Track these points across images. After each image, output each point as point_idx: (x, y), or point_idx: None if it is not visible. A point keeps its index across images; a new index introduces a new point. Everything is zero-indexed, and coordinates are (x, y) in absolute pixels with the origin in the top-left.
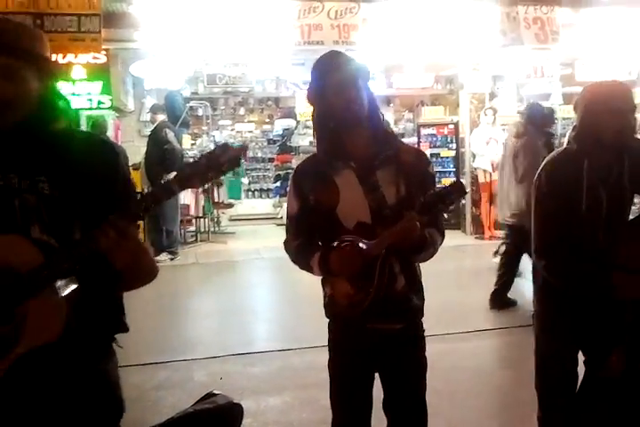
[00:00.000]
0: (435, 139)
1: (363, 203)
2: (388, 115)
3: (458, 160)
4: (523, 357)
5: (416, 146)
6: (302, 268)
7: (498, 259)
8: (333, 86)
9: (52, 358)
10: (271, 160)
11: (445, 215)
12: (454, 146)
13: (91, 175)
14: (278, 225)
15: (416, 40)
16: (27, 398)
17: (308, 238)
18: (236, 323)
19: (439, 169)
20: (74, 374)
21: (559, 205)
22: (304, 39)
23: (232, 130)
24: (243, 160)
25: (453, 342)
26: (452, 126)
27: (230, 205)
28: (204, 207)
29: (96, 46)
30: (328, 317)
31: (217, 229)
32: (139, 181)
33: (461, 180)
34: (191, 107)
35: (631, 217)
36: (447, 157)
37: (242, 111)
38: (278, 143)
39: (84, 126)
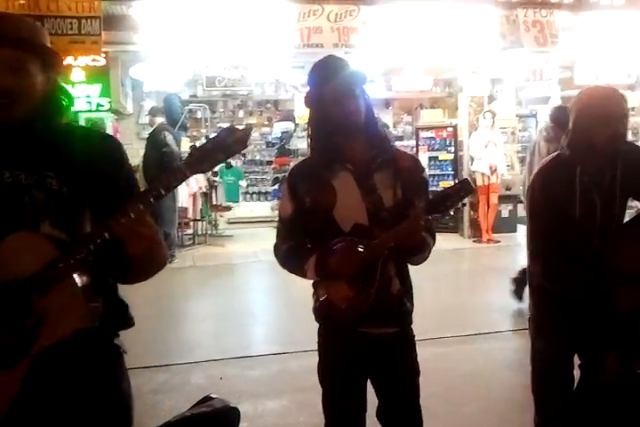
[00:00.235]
0: (433, 142)
1: (360, 205)
2: (387, 118)
3: (456, 163)
4: (520, 360)
5: (414, 149)
6: (292, 271)
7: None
8: (331, 94)
9: (66, 354)
10: (269, 163)
11: (447, 216)
12: (453, 149)
13: (96, 169)
14: (276, 228)
15: (415, 43)
16: (44, 396)
17: (299, 242)
18: (234, 326)
19: (437, 172)
20: (85, 373)
21: (553, 210)
22: (304, 42)
23: None
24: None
25: (451, 345)
26: (450, 129)
27: (228, 208)
28: (201, 210)
29: (96, 49)
30: (318, 321)
31: (215, 231)
32: None
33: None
34: (190, 109)
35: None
36: (446, 161)
37: (241, 114)
38: (277, 146)
39: None
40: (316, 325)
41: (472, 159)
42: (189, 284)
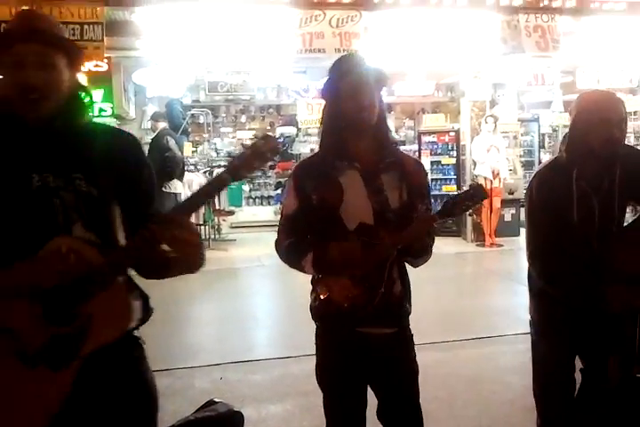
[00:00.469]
0: (435, 146)
1: (366, 204)
2: (389, 122)
3: (459, 168)
4: (523, 364)
5: (417, 153)
6: (292, 267)
7: None
8: (348, 87)
9: (109, 353)
10: (272, 167)
11: (450, 220)
12: (455, 153)
13: (120, 169)
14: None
15: (417, 48)
16: (91, 395)
17: (301, 238)
18: (237, 330)
19: (440, 176)
20: (117, 368)
21: (550, 213)
22: (305, 47)
23: (233, 137)
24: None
25: (453, 349)
26: (452, 134)
27: (231, 213)
28: (204, 214)
29: (98, 54)
30: (315, 319)
31: (218, 236)
32: None
33: (464, 188)
34: (192, 114)
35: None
36: (448, 165)
37: (243, 119)
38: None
39: None
40: (316, 327)
41: (474, 163)
42: (193, 288)
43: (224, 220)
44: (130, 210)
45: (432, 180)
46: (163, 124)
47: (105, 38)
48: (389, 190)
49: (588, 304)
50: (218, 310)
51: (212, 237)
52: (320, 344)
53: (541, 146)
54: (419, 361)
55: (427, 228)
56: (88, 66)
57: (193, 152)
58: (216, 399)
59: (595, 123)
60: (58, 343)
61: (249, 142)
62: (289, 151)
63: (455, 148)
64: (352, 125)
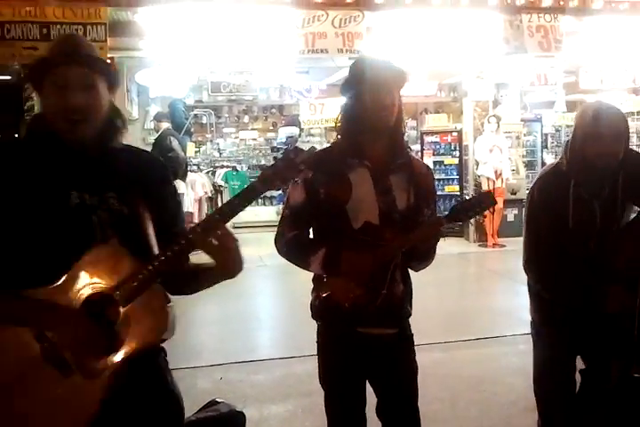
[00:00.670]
0: (438, 146)
1: (373, 203)
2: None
3: (461, 168)
4: (524, 365)
5: (419, 153)
6: (294, 261)
7: None
8: (371, 90)
9: (142, 358)
10: None
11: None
12: (458, 153)
13: (148, 189)
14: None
15: (419, 48)
16: (124, 398)
17: (305, 232)
18: (240, 330)
19: (443, 176)
20: (145, 372)
21: (549, 217)
22: (308, 47)
23: (236, 138)
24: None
25: (454, 349)
26: (455, 134)
27: None
28: (207, 215)
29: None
30: (315, 318)
31: None
32: None
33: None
34: (195, 115)
35: None
36: (451, 165)
37: (246, 119)
38: (282, 151)
39: None
40: (317, 325)
41: (477, 164)
42: None
43: None
44: (159, 228)
45: (435, 180)
46: (166, 125)
47: (108, 39)
48: (397, 191)
49: (587, 305)
50: (220, 311)
51: None
52: (321, 342)
53: (544, 146)
54: (420, 362)
55: (433, 232)
56: None
57: (196, 152)
58: (218, 400)
59: (590, 136)
60: (93, 351)
61: (280, 154)
62: None
63: (458, 148)
64: (371, 125)
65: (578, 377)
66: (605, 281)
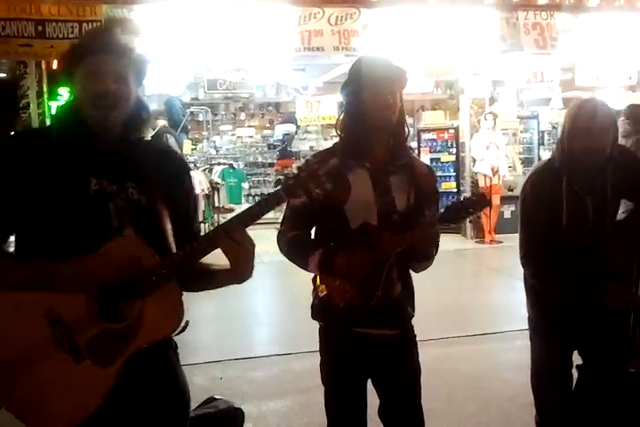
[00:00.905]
0: (435, 144)
1: (372, 204)
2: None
3: (458, 165)
4: (522, 361)
5: (416, 151)
6: (293, 260)
7: None
8: (372, 89)
9: (152, 351)
10: (271, 165)
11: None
12: (454, 151)
13: (169, 186)
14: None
15: (416, 45)
16: (131, 391)
17: (305, 231)
18: (237, 327)
19: (439, 174)
20: (156, 367)
21: (542, 213)
22: (304, 45)
23: (232, 135)
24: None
25: (453, 345)
26: (452, 131)
27: (231, 210)
28: (204, 212)
29: None
30: (315, 319)
31: None
32: None
33: (463, 185)
34: (192, 112)
35: None
36: (447, 162)
37: (242, 116)
38: (278, 148)
39: None
40: (319, 325)
41: (474, 161)
42: None
43: (224, 217)
44: (173, 223)
45: (437, 181)
46: (162, 122)
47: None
48: (397, 192)
49: (584, 300)
50: (217, 308)
51: None
52: (322, 342)
53: (541, 143)
54: None
55: (427, 233)
56: None
57: (192, 150)
58: (216, 396)
59: (577, 131)
60: (106, 339)
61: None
62: (288, 149)
63: (454, 145)
64: (373, 124)
65: (576, 375)
66: (602, 277)
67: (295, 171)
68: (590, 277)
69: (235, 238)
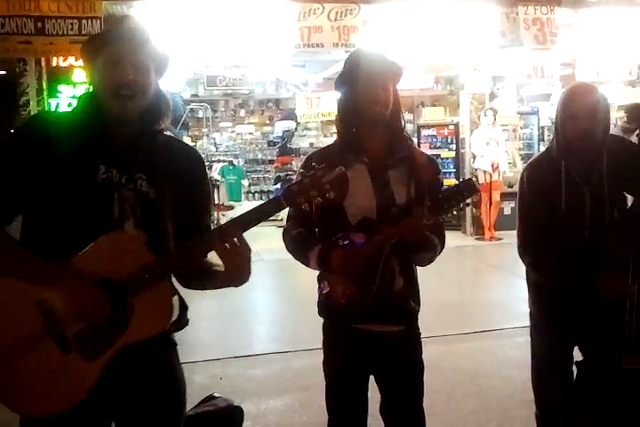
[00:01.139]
0: (435, 140)
1: (370, 199)
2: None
3: (458, 161)
4: (522, 358)
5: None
6: (298, 258)
7: None
8: (364, 84)
9: (141, 348)
10: (271, 162)
11: (454, 213)
12: (454, 147)
13: (182, 180)
14: (279, 227)
15: (416, 41)
16: (118, 385)
17: (309, 228)
18: (237, 325)
19: None
20: (151, 363)
21: (540, 203)
22: (304, 41)
23: (232, 132)
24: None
25: (453, 343)
26: (452, 127)
27: (231, 207)
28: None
29: None
30: (321, 315)
31: None
32: None
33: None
34: (191, 109)
35: None
36: (447, 158)
37: (242, 113)
38: (278, 145)
39: None
40: (318, 323)
41: (474, 157)
42: None
43: (224, 214)
44: (184, 220)
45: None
46: None
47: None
48: (396, 186)
49: (582, 291)
50: (217, 305)
51: None
52: (325, 339)
53: (541, 139)
54: None
55: (416, 224)
56: None
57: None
58: (216, 394)
59: (567, 116)
60: (94, 334)
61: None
62: (288, 146)
63: (454, 141)
64: (367, 118)
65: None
66: (599, 266)
67: (295, 170)
68: (588, 267)
69: (230, 243)
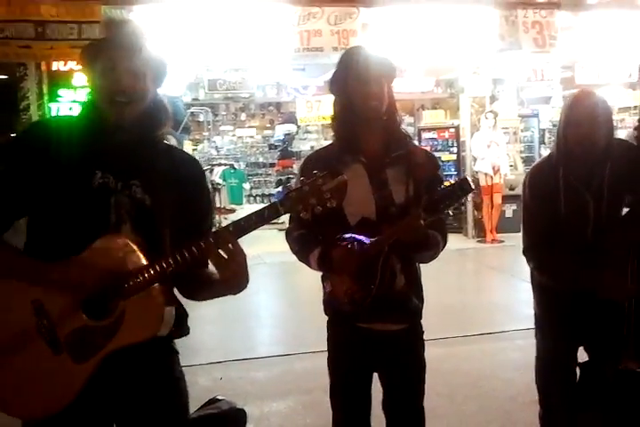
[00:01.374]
0: (435, 143)
1: (369, 199)
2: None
3: (459, 164)
4: (524, 360)
5: None
6: (300, 259)
7: None
8: (358, 80)
9: (134, 352)
10: (272, 165)
11: (451, 213)
12: (455, 150)
13: (179, 188)
14: (280, 230)
15: (416, 44)
16: (107, 389)
17: (310, 230)
18: (239, 328)
19: None
20: (148, 368)
21: (541, 209)
22: (303, 46)
23: (233, 135)
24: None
25: (454, 345)
26: (452, 130)
27: (232, 211)
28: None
29: None
30: (325, 314)
31: None
32: None
33: (467, 177)
34: (192, 113)
35: None
36: (448, 161)
37: (243, 117)
38: (279, 148)
39: None
40: (321, 326)
41: (475, 159)
42: None
43: (225, 218)
44: (186, 225)
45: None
46: None
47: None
48: (395, 185)
49: (585, 293)
50: (219, 309)
51: None
52: (328, 337)
53: (542, 141)
54: None
55: (414, 224)
56: None
57: (193, 150)
58: (219, 397)
59: (569, 122)
60: (84, 336)
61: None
62: (289, 149)
63: (455, 144)
64: (361, 116)
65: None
66: (602, 267)
67: (296, 173)
68: (591, 270)
69: (224, 250)
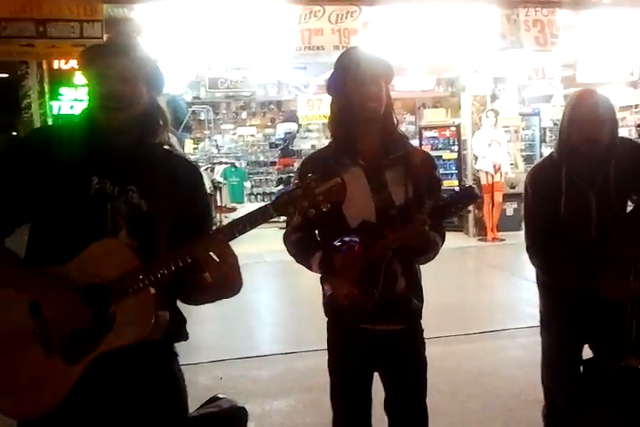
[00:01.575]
0: (436, 141)
1: (369, 202)
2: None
3: (460, 162)
4: (525, 358)
5: None
6: (299, 262)
7: None
8: (356, 81)
9: (127, 355)
10: (273, 164)
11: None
12: (456, 148)
13: (176, 192)
14: (281, 229)
15: (417, 43)
16: (104, 392)
17: (309, 232)
18: (240, 327)
19: (441, 171)
20: (145, 371)
21: (543, 207)
22: (304, 44)
23: (234, 134)
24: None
25: (455, 343)
26: (453, 129)
27: (233, 209)
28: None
29: None
30: (326, 315)
31: None
32: None
33: (472, 184)
34: (193, 111)
35: None
36: (449, 160)
37: (244, 115)
38: (280, 147)
39: None
40: (322, 324)
41: (476, 158)
42: None
43: (226, 216)
44: (185, 227)
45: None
46: None
47: (105, 36)
48: (394, 187)
49: (587, 292)
50: (220, 307)
51: None
52: (329, 338)
53: (543, 140)
54: None
55: (419, 230)
56: None
57: (194, 149)
58: (220, 395)
59: (575, 122)
60: (75, 338)
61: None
62: (290, 147)
63: (456, 142)
64: (359, 117)
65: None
66: (604, 267)
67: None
68: (593, 268)
69: (215, 253)
